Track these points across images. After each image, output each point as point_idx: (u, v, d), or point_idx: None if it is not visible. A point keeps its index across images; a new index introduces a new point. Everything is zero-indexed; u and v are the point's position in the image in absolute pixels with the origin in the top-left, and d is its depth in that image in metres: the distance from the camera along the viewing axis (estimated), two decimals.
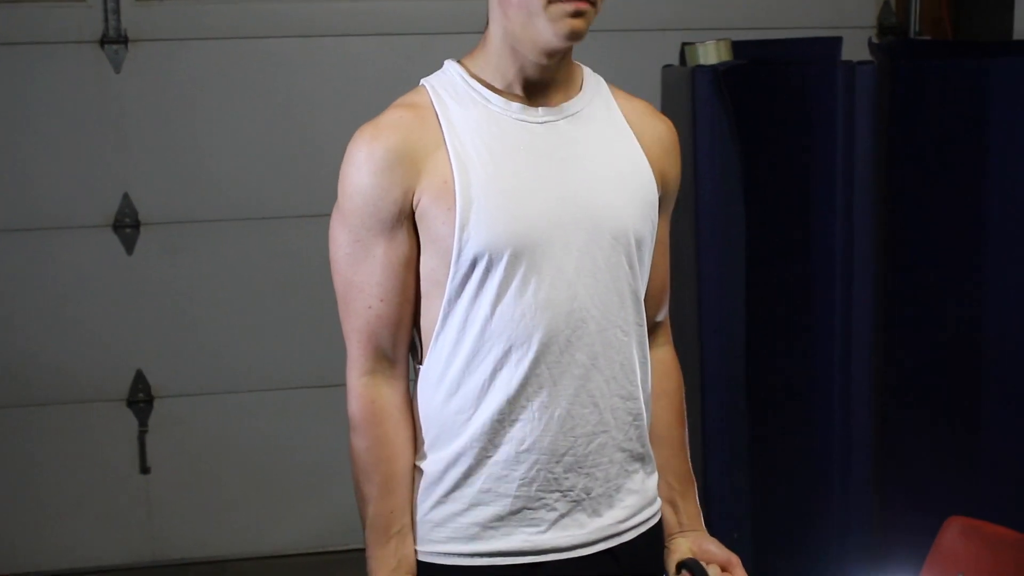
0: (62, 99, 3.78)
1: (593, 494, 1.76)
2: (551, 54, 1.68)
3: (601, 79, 1.83)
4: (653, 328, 1.90)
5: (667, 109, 3.40)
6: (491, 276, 1.66)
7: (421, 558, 1.77)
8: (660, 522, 1.88)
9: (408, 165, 1.66)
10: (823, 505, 3.13)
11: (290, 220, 3.92)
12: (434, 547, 1.75)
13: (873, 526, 3.11)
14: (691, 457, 1.97)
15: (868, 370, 3.10)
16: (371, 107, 1.80)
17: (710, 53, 3.17)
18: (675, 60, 3.48)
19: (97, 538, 3.96)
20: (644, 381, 1.80)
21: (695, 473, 1.98)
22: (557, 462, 1.72)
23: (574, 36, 1.64)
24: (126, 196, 3.84)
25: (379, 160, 1.66)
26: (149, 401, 3.94)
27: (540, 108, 1.72)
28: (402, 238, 1.68)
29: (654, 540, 1.87)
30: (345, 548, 4.05)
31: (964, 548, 2.36)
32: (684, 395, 1.98)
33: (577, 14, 1.62)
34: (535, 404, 1.70)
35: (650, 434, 1.85)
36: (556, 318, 1.68)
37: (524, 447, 1.71)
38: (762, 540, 3.23)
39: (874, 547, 3.10)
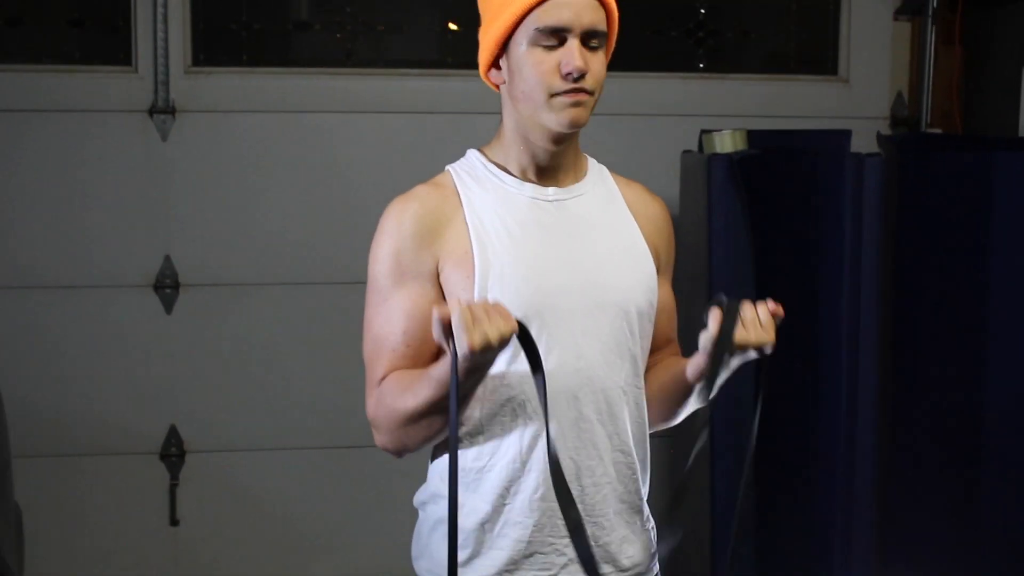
0: (111, 165, 3.87)
1: (600, 542, 1.88)
2: (558, 140, 1.87)
3: (603, 167, 2.02)
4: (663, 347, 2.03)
5: (685, 193, 3.53)
6: None
7: None
8: None
9: (433, 232, 1.84)
10: (827, 571, 3.20)
11: (322, 286, 3.99)
12: None
13: None
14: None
15: (872, 445, 3.17)
16: (404, 179, 1.97)
17: (726, 142, 3.31)
18: (695, 144, 3.60)
19: None
20: (638, 439, 1.94)
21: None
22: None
23: (575, 124, 1.84)
24: (167, 258, 3.93)
25: (408, 226, 1.84)
26: (181, 455, 3.99)
27: (551, 188, 1.91)
28: (430, 293, 1.84)
29: None
30: None
31: None
32: None
33: (576, 104, 1.81)
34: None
35: (658, 372, 1.98)
36: (564, 375, 1.83)
37: (538, 495, 1.84)
38: None
39: None
